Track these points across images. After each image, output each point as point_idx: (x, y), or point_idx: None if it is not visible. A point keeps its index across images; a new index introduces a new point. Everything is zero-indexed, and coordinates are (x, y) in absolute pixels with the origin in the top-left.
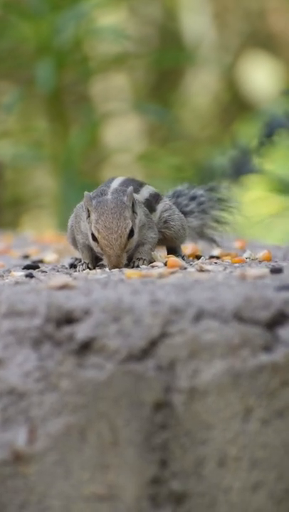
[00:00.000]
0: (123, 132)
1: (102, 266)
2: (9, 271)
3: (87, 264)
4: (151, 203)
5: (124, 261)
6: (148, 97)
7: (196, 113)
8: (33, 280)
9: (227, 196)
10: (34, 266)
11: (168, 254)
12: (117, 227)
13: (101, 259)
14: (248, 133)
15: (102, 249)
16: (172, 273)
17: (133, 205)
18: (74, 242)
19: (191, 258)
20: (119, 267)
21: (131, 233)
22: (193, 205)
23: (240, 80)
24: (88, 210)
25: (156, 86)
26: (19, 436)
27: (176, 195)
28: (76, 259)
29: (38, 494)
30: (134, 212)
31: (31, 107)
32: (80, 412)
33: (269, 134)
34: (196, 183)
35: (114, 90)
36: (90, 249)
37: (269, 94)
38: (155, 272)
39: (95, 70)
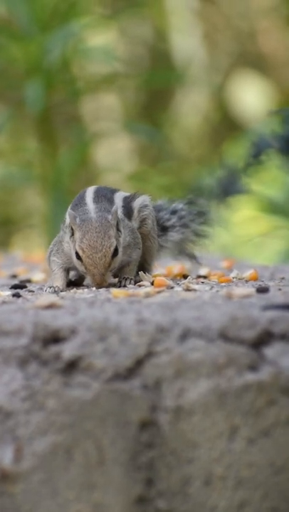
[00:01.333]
0: (113, 152)
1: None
2: None
3: (55, 288)
4: (126, 207)
5: (109, 279)
6: (138, 117)
7: (186, 133)
8: (20, 299)
9: (206, 209)
10: (21, 285)
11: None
12: (102, 246)
13: (74, 284)
14: (237, 153)
15: (86, 268)
16: (159, 292)
17: (118, 223)
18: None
19: (178, 278)
20: (103, 286)
21: (115, 252)
22: (174, 219)
23: (230, 100)
24: (72, 229)
25: (146, 106)
26: (5, 455)
27: (157, 210)
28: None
29: None
30: (118, 230)
31: (21, 127)
32: (67, 431)
33: (257, 154)
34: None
35: (104, 110)
36: (67, 272)
37: (259, 114)
38: (142, 291)
39: (85, 90)
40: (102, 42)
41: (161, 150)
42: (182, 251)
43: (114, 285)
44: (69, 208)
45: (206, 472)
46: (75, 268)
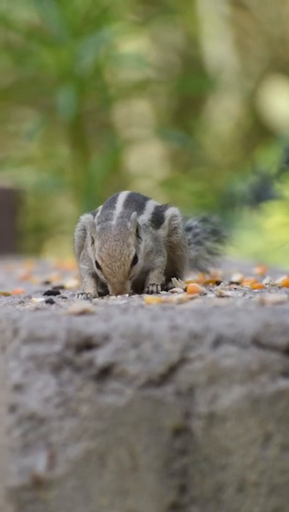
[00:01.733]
0: (145, 158)
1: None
2: (30, 297)
3: (87, 295)
4: (158, 214)
5: (129, 288)
6: (170, 123)
7: (218, 139)
8: (53, 306)
9: (219, 227)
10: (55, 292)
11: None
12: (120, 255)
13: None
14: (269, 159)
15: (105, 277)
16: (192, 299)
17: (137, 230)
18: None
19: (211, 284)
20: (122, 294)
21: (134, 260)
22: (189, 236)
23: (262, 106)
24: (92, 237)
25: (178, 112)
26: (39, 462)
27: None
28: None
29: None
30: (138, 237)
31: (53, 133)
32: (100, 438)
33: None
34: (216, 209)
35: (136, 116)
36: (96, 278)
37: None
38: (174, 297)
39: (117, 97)
40: (134, 48)
41: (193, 156)
42: (196, 266)
43: (135, 292)
44: (99, 209)
45: (239, 479)
46: None
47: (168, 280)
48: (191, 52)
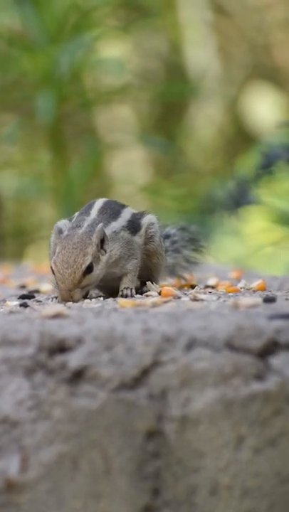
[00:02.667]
0: (127, 163)
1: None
2: (4, 300)
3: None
4: (134, 222)
5: (78, 297)
6: (152, 129)
7: (201, 145)
8: (27, 310)
9: (197, 236)
10: (29, 296)
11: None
12: (74, 263)
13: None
14: (248, 165)
15: (56, 282)
16: (165, 302)
17: (103, 241)
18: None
19: (186, 288)
20: (70, 302)
21: (88, 269)
22: (167, 243)
23: (244, 113)
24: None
25: (160, 118)
26: (12, 465)
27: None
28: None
29: None
30: (102, 249)
31: (33, 138)
32: (73, 441)
33: (267, 165)
34: (196, 214)
35: (118, 122)
36: None
37: (273, 126)
38: (148, 301)
39: (97, 101)
40: (116, 54)
41: (175, 162)
42: (172, 273)
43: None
44: (76, 214)
45: (212, 482)
46: None
47: (143, 284)
48: (174, 59)
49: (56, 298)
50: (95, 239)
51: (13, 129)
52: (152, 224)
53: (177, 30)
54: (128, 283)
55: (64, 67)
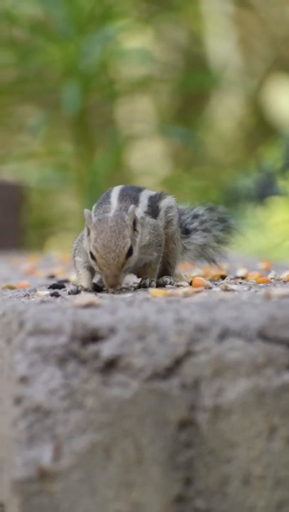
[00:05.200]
0: (147, 156)
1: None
2: (35, 290)
3: (78, 287)
4: (153, 206)
5: (122, 281)
6: (173, 121)
7: (221, 137)
8: (58, 299)
9: (226, 216)
10: (60, 285)
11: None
12: (116, 246)
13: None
14: (272, 156)
15: (100, 268)
16: (197, 292)
17: (135, 223)
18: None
19: (216, 278)
20: (116, 288)
21: (130, 252)
22: (196, 223)
23: (265, 105)
24: (88, 228)
25: (181, 110)
26: (45, 454)
27: (180, 213)
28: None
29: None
30: (135, 230)
31: (57, 129)
32: (105, 430)
33: None
34: (221, 205)
35: (139, 113)
36: (91, 270)
37: None
38: (180, 291)
39: (121, 93)
40: (138, 45)
41: (195, 154)
42: (203, 255)
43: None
44: (94, 206)
45: (244, 472)
46: None
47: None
48: (194, 50)
49: (73, 286)
50: (128, 221)
51: (39, 122)
52: (171, 207)
53: (198, 21)
54: (151, 273)
55: (91, 59)
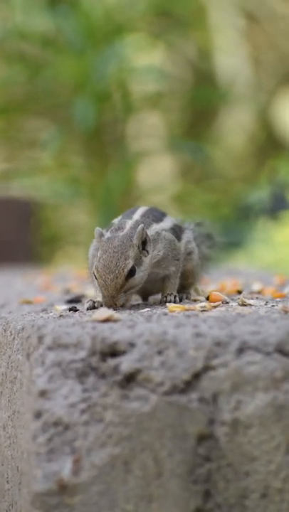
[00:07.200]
0: (157, 172)
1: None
2: (52, 305)
3: (95, 303)
4: (176, 232)
5: (121, 302)
6: (182, 136)
7: (231, 152)
8: (77, 313)
9: (213, 232)
10: (77, 300)
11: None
12: (116, 267)
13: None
14: (285, 170)
15: (99, 287)
16: (215, 307)
17: (145, 242)
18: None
19: (232, 293)
20: (114, 308)
21: (131, 273)
22: None
23: (274, 119)
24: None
25: (190, 125)
26: (64, 467)
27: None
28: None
29: None
30: (144, 249)
31: (67, 144)
32: (125, 443)
33: None
34: (232, 220)
35: (149, 129)
36: None
37: None
38: (198, 305)
39: (133, 109)
40: (149, 61)
41: (204, 169)
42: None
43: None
44: (120, 217)
45: (263, 485)
46: None
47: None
48: (203, 65)
49: (90, 301)
50: (136, 240)
51: (51, 137)
52: (190, 241)
53: (207, 37)
54: (171, 287)
55: (103, 74)
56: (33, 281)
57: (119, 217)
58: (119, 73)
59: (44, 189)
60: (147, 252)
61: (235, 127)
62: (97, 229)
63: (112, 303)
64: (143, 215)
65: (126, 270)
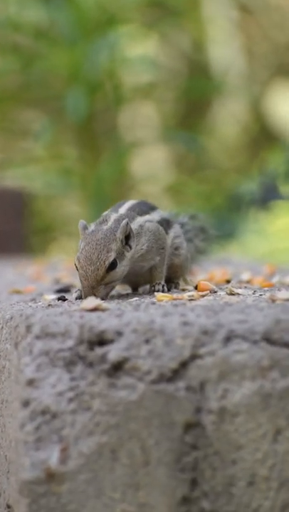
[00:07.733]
0: (151, 162)
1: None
2: (41, 294)
3: (82, 293)
4: (163, 226)
5: (102, 294)
6: (176, 127)
7: (224, 143)
8: (65, 303)
9: (207, 225)
10: (66, 289)
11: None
12: (97, 260)
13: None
14: (275, 161)
15: (79, 278)
16: (202, 296)
17: (128, 237)
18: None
19: (220, 283)
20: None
21: (112, 266)
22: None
23: (268, 111)
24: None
25: (184, 116)
26: (52, 455)
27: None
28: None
29: None
30: (127, 244)
31: (61, 135)
32: (112, 432)
33: None
34: (223, 211)
35: (142, 119)
36: None
37: None
38: (186, 295)
39: (125, 99)
40: (142, 51)
41: (198, 160)
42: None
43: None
44: (109, 210)
45: (249, 473)
46: None
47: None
48: (197, 57)
49: (78, 291)
50: (119, 234)
51: (43, 128)
52: (178, 236)
53: (201, 28)
54: (159, 276)
55: (96, 64)
56: (24, 271)
57: (108, 210)
58: (111, 63)
59: (37, 180)
60: (130, 246)
61: (228, 118)
62: (81, 221)
63: (91, 293)
64: (129, 209)
65: (107, 262)
